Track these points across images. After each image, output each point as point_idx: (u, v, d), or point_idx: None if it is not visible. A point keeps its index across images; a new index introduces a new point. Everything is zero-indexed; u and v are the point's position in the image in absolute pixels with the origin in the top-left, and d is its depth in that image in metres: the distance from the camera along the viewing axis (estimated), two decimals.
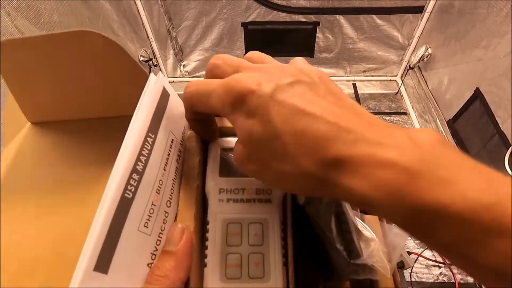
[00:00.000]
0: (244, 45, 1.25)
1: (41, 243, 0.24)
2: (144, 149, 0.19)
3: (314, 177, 0.15)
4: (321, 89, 0.16)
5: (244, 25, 1.18)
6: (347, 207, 0.23)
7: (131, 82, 0.25)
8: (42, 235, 0.25)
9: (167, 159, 0.21)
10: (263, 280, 0.20)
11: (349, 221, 0.22)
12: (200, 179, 0.23)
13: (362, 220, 0.24)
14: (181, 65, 1.34)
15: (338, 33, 1.19)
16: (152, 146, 0.20)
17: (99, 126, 0.30)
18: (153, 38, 1.22)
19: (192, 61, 1.33)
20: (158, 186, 0.20)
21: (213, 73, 0.19)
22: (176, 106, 0.23)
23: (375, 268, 0.21)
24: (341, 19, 1.15)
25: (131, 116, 0.19)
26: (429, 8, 1.10)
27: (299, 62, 0.20)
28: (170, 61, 1.32)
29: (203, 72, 1.42)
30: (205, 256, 0.20)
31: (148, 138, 0.19)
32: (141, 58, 1.16)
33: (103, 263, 0.15)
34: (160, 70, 1.32)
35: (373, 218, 0.25)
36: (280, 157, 0.16)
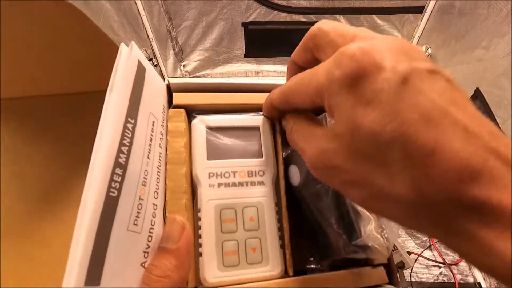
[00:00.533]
0: (244, 45, 1.25)
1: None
2: (124, 137, 0.16)
3: (434, 213, 0.10)
4: (458, 93, 0.12)
5: (245, 25, 1.18)
6: None
7: (98, 54, 0.21)
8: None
9: (150, 145, 0.18)
10: (262, 264, 0.19)
11: (347, 202, 0.22)
12: (187, 164, 0.20)
13: None
14: (181, 65, 1.34)
15: None
16: (133, 133, 0.16)
17: (69, 103, 0.27)
18: (153, 38, 1.22)
19: (193, 61, 1.33)
20: (144, 178, 0.17)
21: (316, 42, 0.14)
22: (153, 82, 0.20)
23: (373, 247, 0.21)
24: (342, 19, 1.15)
25: (92, 91, 0.16)
26: (429, 8, 1.09)
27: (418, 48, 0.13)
28: (171, 61, 1.32)
29: (204, 72, 1.41)
30: (200, 245, 0.19)
31: (127, 124, 0.16)
32: None
33: (94, 275, 0.13)
34: (160, 70, 1.32)
35: None
36: (390, 173, 0.11)
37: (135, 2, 1.14)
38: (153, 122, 0.19)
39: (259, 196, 0.20)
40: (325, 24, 0.14)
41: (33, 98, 0.30)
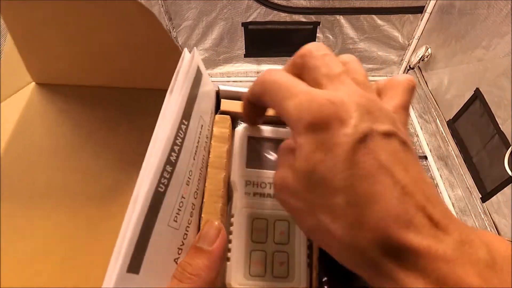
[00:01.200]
0: (244, 45, 1.25)
1: (54, 223, 0.22)
2: (178, 137, 0.17)
3: (365, 256, 0.12)
4: (410, 155, 0.13)
5: (245, 25, 1.18)
6: None
7: (158, 55, 0.22)
8: (54, 214, 0.23)
9: (197, 147, 0.19)
10: (287, 280, 0.19)
11: None
12: (227, 170, 0.21)
13: None
14: None
15: (339, 33, 1.19)
16: (185, 134, 0.18)
17: (115, 96, 0.27)
18: None
19: None
20: (188, 177, 0.18)
21: (302, 65, 0.15)
22: (207, 87, 0.21)
23: None
24: (341, 19, 1.15)
25: (151, 89, 0.17)
26: (429, 9, 1.10)
27: (403, 102, 0.15)
28: None
29: None
30: (229, 250, 0.19)
31: (182, 126, 0.17)
32: None
33: (135, 264, 0.14)
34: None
35: None
36: (333, 213, 0.13)
37: None
38: (202, 125, 0.20)
39: None
40: (316, 50, 0.15)
41: (71, 87, 0.29)
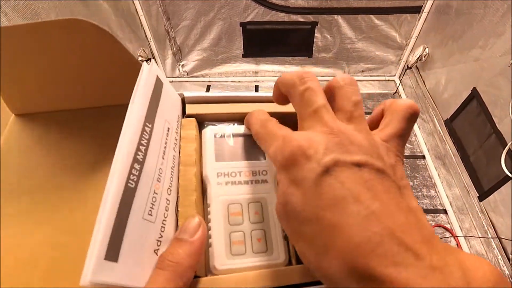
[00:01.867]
0: (242, 45, 1.25)
1: (38, 237, 0.24)
2: (142, 138, 0.19)
3: (332, 280, 0.13)
4: (387, 182, 0.13)
5: (243, 25, 1.18)
6: None
7: (123, 71, 0.24)
8: (38, 229, 0.25)
9: (165, 147, 0.22)
10: (267, 253, 0.21)
11: None
12: (197, 166, 0.23)
13: None
14: (179, 65, 1.34)
15: (336, 33, 1.20)
16: (150, 135, 0.20)
17: (89, 116, 0.30)
18: (151, 38, 1.22)
19: (191, 61, 1.33)
20: (159, 175, 0.20)
21: (288, 95, 0.17)
22: (170, 94, 0.24)
23: None
24: (339, 19, 1.15)
25: (122, 105, 0.19)
26: (426, 8, 1.10)
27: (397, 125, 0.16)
28: (169, 61, 1.32)
29: (202, 72, 1.40)
30: (209, 237, 0.21)
31: (145, 128, 0.20)
32: (140, 58, 1.16)
33: (112, 252, 0.16)
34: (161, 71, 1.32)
35: None
36: (306, 242, 0.14)
37: (133, 2, 1.14)
38: (168, 128, 0.23)
39: (262, 192, 0.23)
40: (299, 82, 0.16)
41: (59, 112, 0.32)
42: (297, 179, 0.14)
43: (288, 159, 0.14)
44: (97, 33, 0.24)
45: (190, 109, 0.26)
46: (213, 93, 0.27)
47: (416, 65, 1.21)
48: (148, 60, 1.20)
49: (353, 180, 0.13)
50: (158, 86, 0.22)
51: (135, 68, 0.21)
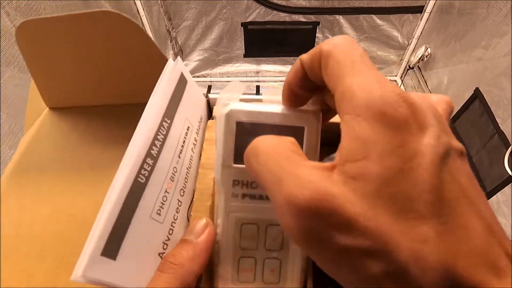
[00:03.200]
0: (243, 45, 1.25)
1: (53, 225, 0.23)
2: (159, 133, 0.18)
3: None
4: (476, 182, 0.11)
5: (244, 25, 1.18)
6: None
7: (150, 67, 0.23)
8: (54, 216, 0.24)
9: (182, 146, 0.20)
10: (278, 285, 0.18)
11: None
12: None
13: None
14: None
15: (338, 33, 1.19)
16: (167, 131, 0.19)
17: (117, 113, 0.30)
18: (152, 38, 1.22)
19: (192, 61, 1.33)
20: (172, 173, 0.19)
21: (314, 65, 0.13)
22: (194, 93, 0.22)
23: None
24: (341, 19, 1.15)
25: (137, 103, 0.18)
26: (428, 8, 1.10)
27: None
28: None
29: (203, 72, 1.40)
30: (217, 254, 0.18)
31: (163, 123, 0.18)
32: None
33: (111, 248, 0.14)
34: None
35: None
36: (422, 246, 0.09)
37: (135, 2, 1.14)
38: (188, 127, 0.21)
39: None
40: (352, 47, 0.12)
41: (79, 108, 0.32)
42: (408, 149, 0.10)
43: (394, 113, 0.10)
44: (127, 25, 0.23)
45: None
46: (247, 95, 0.22)
47: (418, 65, 1.21)
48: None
49: (464, 174, 0.10)
50: (181, 83, 0.21)
51: (163, 64, 0.20)
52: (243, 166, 0.15)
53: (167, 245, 0.18)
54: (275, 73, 1.32)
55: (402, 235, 0.09)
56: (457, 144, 0.10)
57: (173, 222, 0.18)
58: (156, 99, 0.18)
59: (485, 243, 0.09)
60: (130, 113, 0.29)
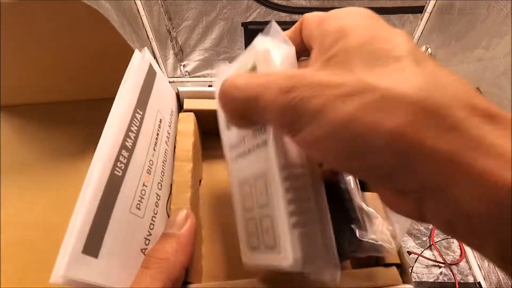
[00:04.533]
0: (244, 45, 1.25)
1: (9, 232, 0.22)
2: (132, 125, 0.17)
3: (437, 112, 0.10)
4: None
5: (245, 25, 1.18)
6: (351, 182, 0.21)
7: (112, 61, 0.22)
8: (9, 223, 0.23)
9: (156, 138, 0.20)
10: (275, 251, 0.15)
11: (352, 198, 0.20)
12: (193, 162, 0.21)
13: (364, 198, 0.22)
14: (181, 65, 1.34)
15: None
16: (141, 122, 0.18)
17: (72, 110, 0.28)
18: (153, 38, 1.22)
19: (192, 61, 1.33)
20: (149, 166, 0.18)
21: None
22: (163, 86, 0.22)
23: (380, 245, 0.20)
24: None
25: (110, 98, 0.16)
26: (429, 8, 1.09)
27: None
28: (170, 61, 1.32)
29: (203, 72, 1.40)
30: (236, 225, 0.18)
31: (136, 114, 0.18)
32: None
33: (92, 245, 0.13)
34: (161, 70, 1.32)
35: (374, 196, 0.23)
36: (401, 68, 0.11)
37: (135, 2, 1.14)
38: (161, 119, 0.21)
39: (263, 161, 0.15)
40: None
41: (38, 106, 0.30)
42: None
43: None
44: (87, 14, 0.22)
45: (188, 104, 0.24)
46: (210, 88, 0.23)
47: None
48: None
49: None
50: (150, 74, 0.20)
51: (127, 58, 0.19)
52: (232, 130, 0.18)
53: (149, 240, 0.17)
54: None
55: (379, 76, 0.11)
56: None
57: (153, 216, 0.18)
58: (125, 91, 0.17)
59: (466, 88, 0.11)
60: (89, 108, 0.27)
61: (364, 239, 0.19)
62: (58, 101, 0.30)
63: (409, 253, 0.82)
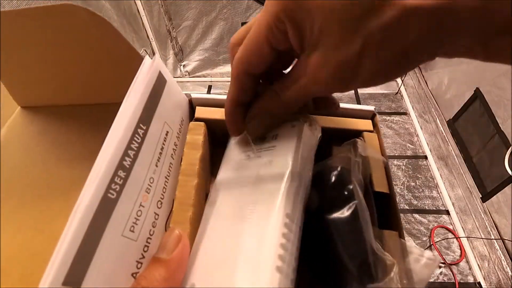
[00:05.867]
0: None
1: (19, 239, 0.22)
2: (133, 142, 0.16)
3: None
4: None
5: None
6: (367, 220, 0.18)
7: (125, 65, 0.22)
8: (20, 231, 0.23)
9: (160, 153, 0.18)
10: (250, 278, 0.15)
11: (367, 239, 0.18)
12: (199, 177, 0.20)
13: (381, 236, 0.19)
14: (181, 65, 1.34)
15: None
16: (143, 138, 0.17)
17: (91, 113, 0.28)
18: (153, 38, 1.22)
19: (192, 61, 1.33)
20: (148, 185, 0.17)
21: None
22: (174, 93, 0.21)
23: None
24: None
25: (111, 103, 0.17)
26: None
27: None
28: (170, 61, 1.32)
29: (204, 72, 1.40)
30: None
31: (138, 129, 0.17)
32: None
33: (75, 275, 0.13)
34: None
35: (392, 235, 0.20)
36: None
37: (135, 2, 1.14)
38: (167, 132, 0.19)
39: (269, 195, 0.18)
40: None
41: (51, 108, 0.31)
42: None
43: None
44: (92, 19, 0.21)
45: (200, 112, 0.23)
46: (224, 95, 0.22)
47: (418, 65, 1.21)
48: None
49: None
50: (160, 83, 0.19)
51: (138, 62, 0.18)
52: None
53: (141, 264, 0.16)
54: None
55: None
56: None
57: (148, 238, 0.17)
58: (129, 103, 0.17)
59: None
60: (108, 112, 0.28)
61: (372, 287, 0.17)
62: (76, 104, 0.30)
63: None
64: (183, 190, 0.19)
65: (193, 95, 0.23)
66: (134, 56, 0.24)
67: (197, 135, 0.21)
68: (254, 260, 0.15)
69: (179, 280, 0.16)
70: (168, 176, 0.19)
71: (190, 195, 0.19)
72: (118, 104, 0.16)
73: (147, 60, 0.18)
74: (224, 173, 0.20)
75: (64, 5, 0.20)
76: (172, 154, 0.20)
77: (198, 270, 0.17)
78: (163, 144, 0.19)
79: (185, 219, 0.18)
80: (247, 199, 0.18)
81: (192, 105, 0.23)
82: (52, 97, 0.29)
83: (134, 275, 0.16)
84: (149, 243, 0.17)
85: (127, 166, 0.16)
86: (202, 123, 0.22)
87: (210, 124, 0.23)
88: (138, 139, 0.17)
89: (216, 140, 0.24)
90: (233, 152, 0.21)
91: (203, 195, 0.21)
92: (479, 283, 0.83)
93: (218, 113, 0.23)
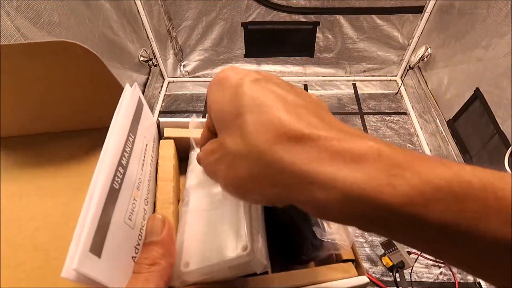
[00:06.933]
0: (244, 45, 1.25)
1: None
2: (127, 146, 0.20)
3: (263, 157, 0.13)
4: (292, 89, 0.16)
5: (244, 25, 1.18)
6: None
7: (107, 95, 0.25)
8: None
9: (143, 160, 0.23)
10: (229, 247, 0.20)
11: None
12: (175, 181, 0.25)
13: None
14: (181, 65, 1.34)
15: (338, 33, 1.19)
16: (133, 144, 0.21)
17: (69, 140, 0.29)
18: (153, 38, 1.22)
19: (192, 61, 1.33)
20: (138, 183, 0.21)
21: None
22: (147, 117, 0.25)
23: (337, 243, 0.23)
24: (341, 19, 1.15)
25: (99, 129, 0.20)
26: (429, 8, 1.09)
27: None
28: (170, 61, 1.32)
29: (203, 72, 1.40)
30: None
31: (129, 137, 0.21)
32: (141, 58, 1.16)
33: (97, 246, 0.15)
34: (160, 70, 1.31)
35: None
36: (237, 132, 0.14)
37: (135, 2, 1.14)
38: (147, 144, 0.24)
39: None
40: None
41: (36, 136, 0.31)
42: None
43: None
44: (86, 56, 0.24)
45: (168, 132, 0.28)
46: (188, 119, 0.28)
47: (418, 65, 1.21)
48: (149, 60, 1.20)
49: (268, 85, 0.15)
50: (140, 105, 0.24)
51: (116, 94, 0.21)
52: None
53: (138, 250, 0.19)
54: (276, 73, 1.32)
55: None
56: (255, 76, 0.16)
57: (141, 228, 0.20)
58: (120, 117, 0.20)
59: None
60: (85, 139, 0.29)
61: (324, 239, 0.23)
62: (47, 132, 0.31)
63: (409, 253, 0.82)
64: (163, 192, 0.24)
65: (160, 119, 0.29)
66: (115, 85, 0.27)
67: (169, 149, 0.27)
68: (233, 231, 0.19)
69: (174, 252, 0.19)
70: (149, 181, 0.23)
71: (170, 195, 0.24)
72: (96, 130, 0.19)
73: (128, 87, 0.22)
74: (191, 179, 0.25)
75: (63, 42, 0.23)
76: (150, 163, 0.24)
77: (189, 250, 0.20)
78: (145, 152, 0.23)
79: (168, 214, 0.22)
80: (216, 193, 0.22)
81: (159, 127, 0.29)
82: (21, 126, 0.30)
83: (134, 258, 0.18)
84: (142, 232, 0.20)
85: (124, 165, 0.19)
86: (171, 140, 0.28)
87: (176, 141, 0.28)
88: (130, 144, 0.20)
89: (179, 155, 0.29)
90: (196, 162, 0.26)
91: (177, 197, 0.26)
92: (479, 283, 0.83)
93: (182, 133, 0.29)
